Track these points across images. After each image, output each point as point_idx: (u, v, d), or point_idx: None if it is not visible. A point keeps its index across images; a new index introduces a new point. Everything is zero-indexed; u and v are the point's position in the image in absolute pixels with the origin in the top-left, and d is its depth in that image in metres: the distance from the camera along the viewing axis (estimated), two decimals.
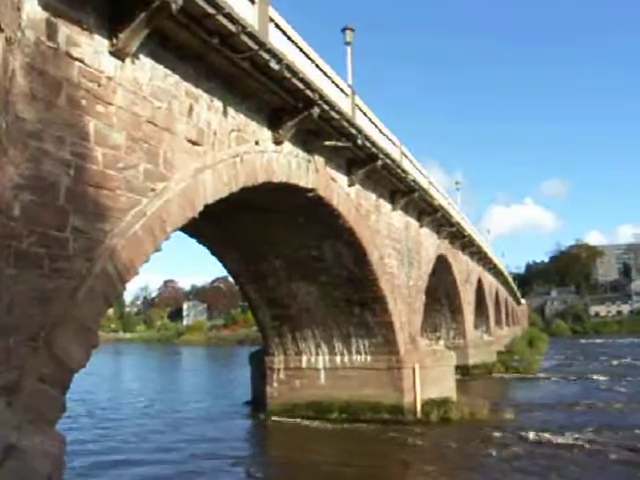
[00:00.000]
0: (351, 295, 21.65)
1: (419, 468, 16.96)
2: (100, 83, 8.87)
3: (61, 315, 7.99)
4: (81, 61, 8.50)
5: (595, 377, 38.39)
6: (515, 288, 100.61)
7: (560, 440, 18.99)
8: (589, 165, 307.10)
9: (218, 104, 12.24)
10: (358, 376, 22.98)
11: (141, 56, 9.83)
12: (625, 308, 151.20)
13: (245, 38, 11.02)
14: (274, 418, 23.50)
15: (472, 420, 22.55)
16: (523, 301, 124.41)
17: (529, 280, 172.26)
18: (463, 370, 36.90)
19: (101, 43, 8.94)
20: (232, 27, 10.53)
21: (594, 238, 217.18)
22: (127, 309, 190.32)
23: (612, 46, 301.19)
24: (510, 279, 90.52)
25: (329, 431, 21.40)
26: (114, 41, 9.05)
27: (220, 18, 10.18)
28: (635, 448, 17.69)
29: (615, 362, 50.14)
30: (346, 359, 23.34)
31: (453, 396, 24.33)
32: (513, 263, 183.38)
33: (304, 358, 23.90)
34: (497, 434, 19.99)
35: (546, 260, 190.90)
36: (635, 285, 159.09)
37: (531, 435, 19.63)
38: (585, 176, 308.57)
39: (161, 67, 10.39)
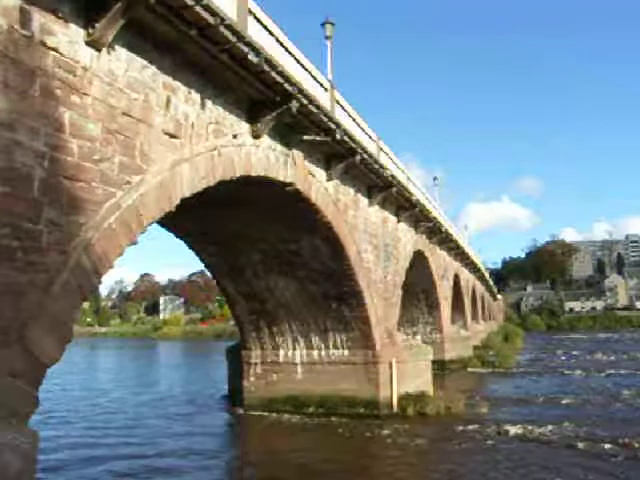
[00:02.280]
0: (328, 290, 21.64)
1: (394, 462, 16.98)
2: (75, 73, 8.73)
3: (35, 309, 7.87)
4: (56, 50, 8.36)
5: (569, 372, 38.83)
6: (492, 284, 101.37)
7: (535, 434, 19.17)
8: (564, 163, 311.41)
9: (196, 96, 12.13)
10: (335, 371, 23.01)
11: (117, 47, 9.70)
12: (599, 304, 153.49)
13: (224, 30, 10.91)
14: (251, 412, 23.46)
15: (448, 414, 22.68)
16: (499, 296, 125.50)
17: (505, 276, 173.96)
18: (440, 365, 37.10)
19: (77, 32, 8.80)
20: (211, 19, 10.42)
21: (569, 235, 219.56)
22: (103, 303, 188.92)
23: (589, 43, 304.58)
24: (487, 275, 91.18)
25: (305, 425, 21.41)
26: (90, 31, 8.90)
27: (199, 9, 10.06)
28: (609, 440, 17.91)
29: (589, 357, 50.78)
30: (323, 353, 23.35)
31: (429, 390, 24.47)
32: (490, 259, 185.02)
33: (281, 352, 23.87)
34: (472, 428, 20.12)
35: (522, 256, 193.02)
36: (609, 281, 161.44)
37: (506, 429, 19.78)
38: (560, 174, 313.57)
39: (138, 58, 10.25)
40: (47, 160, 8.10)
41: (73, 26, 8.72)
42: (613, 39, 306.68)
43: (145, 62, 10.45)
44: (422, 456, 17.50)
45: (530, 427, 19.95)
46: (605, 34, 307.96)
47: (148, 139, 10.42)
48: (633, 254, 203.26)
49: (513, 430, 19.64)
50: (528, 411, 23.92)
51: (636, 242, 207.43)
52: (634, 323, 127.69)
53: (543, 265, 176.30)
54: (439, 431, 19.97)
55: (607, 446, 17.41)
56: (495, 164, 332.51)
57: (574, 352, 56.86)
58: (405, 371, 23.49)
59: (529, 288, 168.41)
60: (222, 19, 10.68)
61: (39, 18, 8.06)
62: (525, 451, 17.32)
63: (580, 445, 17.66)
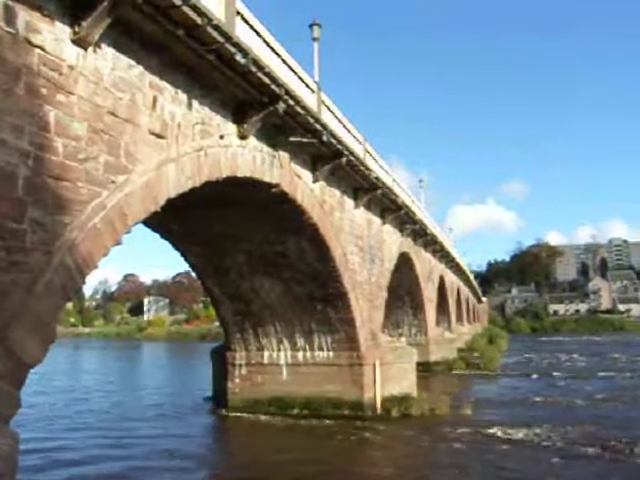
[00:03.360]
0: (314, 291, 21.64)
1: (377, 464, 17.05)
2: (61, 72, 8.67)
3: (18, 309, 7.80)
4: (41, 48, 8.29)
5: (553, 374, 39.13)
6: (476, 286, 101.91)
7: (519, 436, 19.29)
8: (550, 167, 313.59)
9: (183, 97, 12.09)
10: (320, 372, 23.00)
11: (104, 46, 9.64)
12: (583, 307, 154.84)
13: (211, 30, 10.89)
14: (235, 414, 23.39)
15: (432, 416, 22.76)
16: (484, 299, 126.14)
17: (490, 278, 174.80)
18: (424, 366, 37.19)
19: (63, 31, 8.74)
20: (198, 19, 10.40)
21: (554, 238, 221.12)
22: (86, 303, 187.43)
23: (579, 46, 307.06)
24: (472, 277, 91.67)
25: (290, 427, 21.38)
26: (76, 29, 8.84)
27: (186, 9, 10.03)
28: (592, 442, 18.07)
29: (573, 360, 51.14)
30: (308, 355, 23.33)
31: (414, 392, 24.52)
32: (475, 262, 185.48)
33: (266, 354, 23.83)
34: (456, 430, 20.20)
35: (507, 259, 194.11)
36: (592, 285, 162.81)
37: (490, 430, 19.91)
38: (546, 178, 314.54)
39: (124, 57, 10.20)
40: (32, 159, 8.03)
41: (59, 24, 8.66)
42: (600, 43, 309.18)
43: (132, 61, 10.40)
44: (405, 457, 17.52)
45: (514, 429, 20.07)
46: (592, 37, 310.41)
47: (134, 139, 10.37)
48: (616, 257, 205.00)
49: (497, 432, 19.75)
50: (512, 413, 24.05)
51: (619, 246, 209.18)
52: (617, 326, 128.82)
53: (528, 268, 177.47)
54: (423, 433, 20.02)
55: (589, 448, 17.55)
56: (481, 167, 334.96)
57: (558, 355, 57.25)
58: (389, 373, 23.54)
59: (514, 291, 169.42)
60: (209, 19, 10.66)
61: (24, 15, 7.99)
62: (508, 452, 17.41)
63: (563, 447, 17.80)
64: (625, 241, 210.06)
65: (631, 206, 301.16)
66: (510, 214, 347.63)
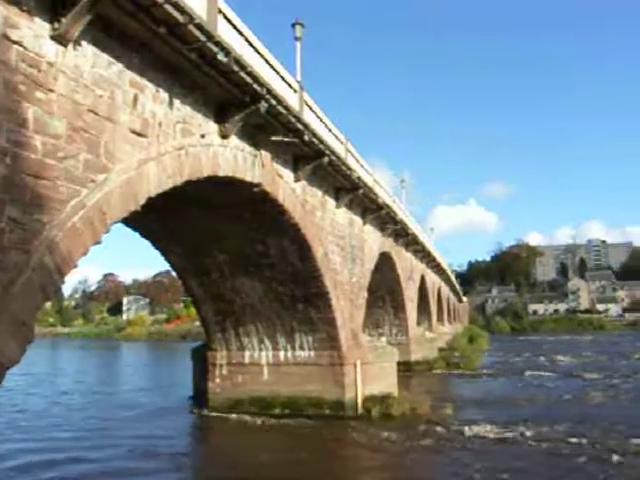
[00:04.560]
0: (295, 291, 21.61)
1: (358, 463, 17.11)
2: (40, 68, 8.57)
3: None
4: (20, 44, 8.19)
5: (533, 373, 39.44)
6: (457, 286, 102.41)
7: (499, 434, 19.41)
8: (530, 169, 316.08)
9: (164, 95, 12.02)
10: (301, 372, 22.98)
11: (84, 43, 9.55)
12: (562, 307, 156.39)
13: (193, 29, 10.83)
14: (216, 414, 23.29)
15: (413, 415, 22.81)
16: (465, 299, 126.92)
17: (471, 278, 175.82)
18: (405, 366, 37.26)
19: (42, 27, 8.64)
20: (180, 17, 10.33)
21: (534, 239, 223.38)
22: (65, 303, 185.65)
23: (558, 46, 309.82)
24: (452, 277, 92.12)
25: (271, 427, 21.34)
26: (56, 25, 8.75)
27: (168, 7, 9.96)
28: (571, 440, 18.24)
29: (552, 359, 51.51)
30: (289, 355, 23.31)
31: (394, 392, 24.57)
32: (456, 262, 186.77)
33: (247, 354, 23.76)
34: (437, 429, 20.29)
35: (488, 259, 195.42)
36: (571, 285, 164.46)
37: (470, 429, 19.98)
38: (526, 179, 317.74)
39: (105, 55, 10.11)
40: (9, 156, 7.93)
41: (38, 20, 8.57)
42: (580, 43, 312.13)
43: (112, 59, 10.32)
44: (386, 457, 17.54)
45: (494, 427, 20.20)
46: (573, 37, 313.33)
47: (114, 137, 10.28)
48: (595, 258, 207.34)
49: (477, 430, 19.85)
50: (492, 412, 24.19)
51: (598, 247, 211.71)
52: (595, 326, 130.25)
53: (508, 268, 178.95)
54: (404, 432, 20.07)
55: (569, 446, 17.73)
56: (463, 168, 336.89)
57: (537, 354, 57.70)
58: (370, 372, 23.58)
59: (494, 291, 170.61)
60: (191, 18, 10.60)
61: (2, 11, 7.89)
62: (488, 451, 17.53)
63: (542, 445, 17.93)
64: (603, 242, 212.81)
65: (609, 208, 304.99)
66: (491, 215, 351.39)
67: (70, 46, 9.17)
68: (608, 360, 49.59)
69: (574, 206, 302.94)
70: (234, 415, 22.81)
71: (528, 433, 19.44)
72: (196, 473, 17.37)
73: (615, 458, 16.30)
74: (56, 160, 8.84)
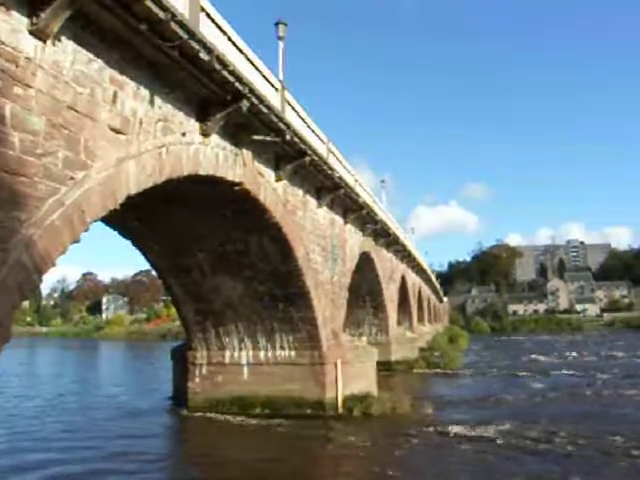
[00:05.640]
0: (276, 290, 21.58)
1: (336, 463, 17.10)
2: (18, 64, 8.45)
3: None
4: None
5: (513, 373, 39.69)
6: (438, 286, 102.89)
7: (478, 433, 19.49)
8: (511, 171, 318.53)
9: (145, 92, 11.91)
10: (281, 371, 22.94)
11: (63, 38, 9.44)
12: (541, 307, 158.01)
13: (175, 26, 10.75)
14: (196, 414, 23.17)
15: (393, 415, 22.87)
16: (445, 299, 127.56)
17: (451, 278, 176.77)
18: (385, 366, 37.42)
19: (20, 21, 8.52)
20: (161, 14, 10.25)
21: (514, 240, 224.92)
22: (44, 302, 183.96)
23: (534, 47, 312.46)
24: (433, 277, 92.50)
25: (251, 427, 21.26)
26: (34, 20, 8.63)
27: (149, 4, 9.88)
28: (549, 439, 18.41)
29: (532, 359, 51.93)
30: (270, 354, 23.26)
31: (374, 391, 24.64)
32: (437, 262, 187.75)
33: (227, 353, 23.67)
34: (417, 428, 20.34)
35: (468, 259, 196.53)
36: (551, 285, 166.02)
37: (450, 429, 20.05)
38: (507, 181, 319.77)
39: (84, 51, 10.00)
40: None
41: (16, 14, 8.44)
42: (555, 43, 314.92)
43: (92, 55, 10.20)
44: (366, 456, 17.56)
45: (474, 427, 20.29)
46: (548, 37, 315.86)
47: (93, 134, 10.18)
48: (574, 259, 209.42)
49: (457, 430, 19.92)
50: (472, 411, 24.32)
51: (576, 247, 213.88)
52: (574, 326, 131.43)
53: (488, 268, 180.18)
54: (384, 431, 20.14)
55: (546, 444, 17.88)
56: (444, 169, 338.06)
57: (517, 354, 58.17)
58: (350, 372, 23.60)
59: (474, 291, 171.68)
60: (173, 15, 10.52)
61: None
62: (468, 450, 17.59)
63: (521, 443, 18.05)
64: (582, 243, 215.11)
65: (588, 209, 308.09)
66: (472, 215, 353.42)
67: (49, 42, 9.05)
68: (586, 359, 50.18)
69: (553, 208, 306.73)
70: (214, 415, 22.70)
71: (508, 432, 19.54)
72: (175, 474, 17.23)
73: (592, 454, 16.56)
74: (34, 157, 8.73)
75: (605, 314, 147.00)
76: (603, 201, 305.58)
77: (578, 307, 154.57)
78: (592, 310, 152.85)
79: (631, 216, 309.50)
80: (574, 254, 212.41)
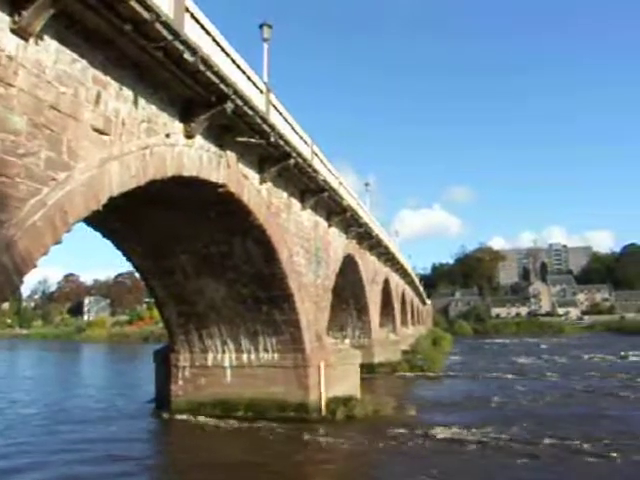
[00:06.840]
0: (259, 293, 21.52)
1: (320, 465, 17.06)
2: (0, 62, 8.36)
3: None
4: None
5: (496, 375, 39.94)
6: (421, 289, 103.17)
7: (461, 435, 19.58)
8: (494, 174, 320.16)
9: (128, 93, 11.84)
10: (265, 374, 22.88)
11: (46, 37, 9.36)
12: (523, 310, 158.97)
13: (159, 27, 10.71)
14: (178, 417, 23.03)
15: (376, 417, 22.89)
16: (428, 301, 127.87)
17: (435, 281, 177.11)
18: (368, 368, 37.40)
19: (1, 19, 8.45)
20: (146, 14, 10.20)
21: (497, 243, 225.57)
22: (24, 304, 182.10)
23: (518, 48, 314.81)
24: (417, 280, 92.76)
25: (234, 430, 21.18)
26: (16, 18, 8.56)
27: (133, 4, 9.84)
28: (532, 441, 18.51)
29: (514, 361, 52.23)
30: (253, 357, 23.19)
31: (357, 394, 24.65)
32: (420, 265, 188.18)
33: (210, 356, 23.56)
34: (400, 431, 20.37)
35: (451, 262, 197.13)
36: (533, 288, 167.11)
37: (433, 431, 20.12)
38: (490, 185, 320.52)
39: (68, 51, 9.93)
40: None
41: None
42: (536, 44, 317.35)
43: (75, 55, 10.13)
44: (348, 459, 17.60)
45: (456, 429, 20.39)
46: (531, 39, 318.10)
47: (76, 135, 10.10)
48: (556, 262, 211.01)
49: (440, 432, 20.00)
50: (455, 413, 24.39)
51: (559, 251, 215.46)
52: (556, 329, 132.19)
53: (471, 271, 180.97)
54: (367, 434, 20.12)
55: (528, 446, 18.01)
56: (428, 173, 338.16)
57: (499, 356, 58.51)
58: (333, 375, 23.59)
59: (457, 294, 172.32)
60: (158, 15, 10.48)
61: None
62: (451, 452, 17.68)
63: (504, 446, 18.17)
64: (564, 246, 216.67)
65: (570, 212, 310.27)
66: (455, 219, 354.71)
67: (32, 40, 8.98)
68: (567, 361, 50.60)
69: (536, 211, 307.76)
70: (196, 418, 22.59)
71: (490, 434, 19.64)
72: (157, 477, 17.13)
73: (570, 456, 16.74)
74: (16, 157, 8.64)
75: (586, 317, 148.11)
76: (585, 204, 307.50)
77: (560, 310, 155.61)
78: (574, 313, 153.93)
79: (613, 219, 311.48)
80: (556, 257, 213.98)
